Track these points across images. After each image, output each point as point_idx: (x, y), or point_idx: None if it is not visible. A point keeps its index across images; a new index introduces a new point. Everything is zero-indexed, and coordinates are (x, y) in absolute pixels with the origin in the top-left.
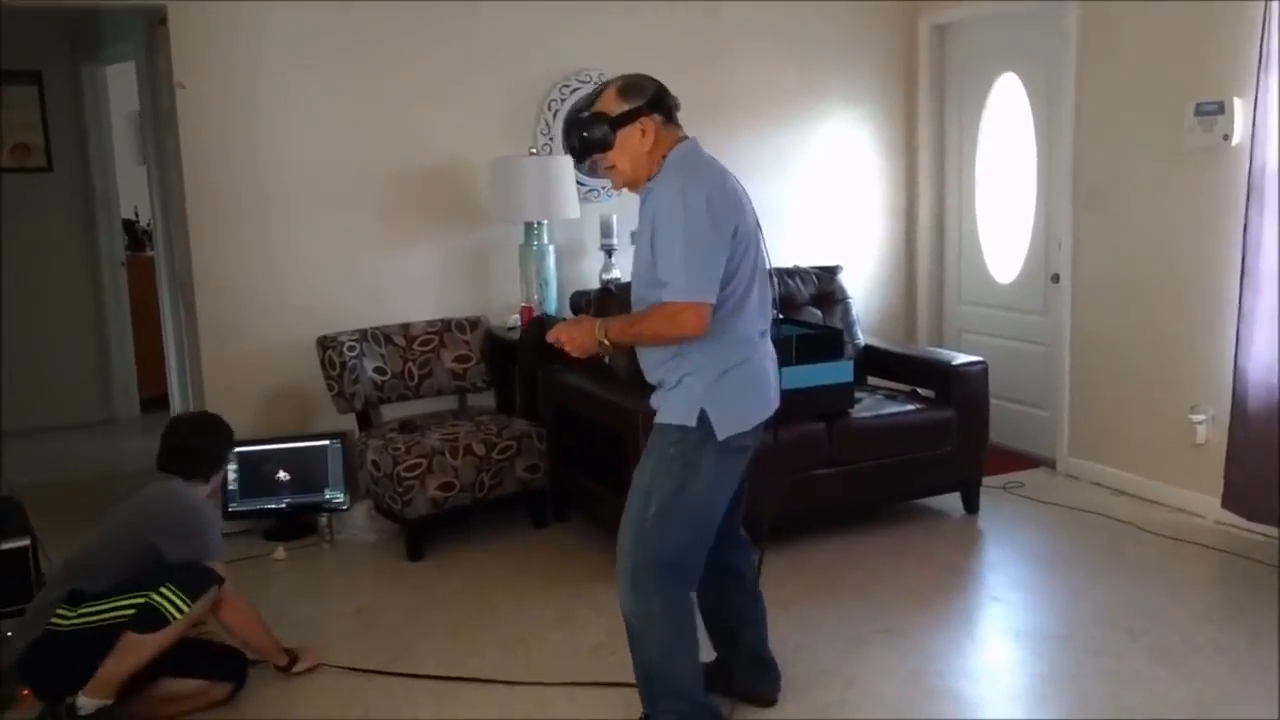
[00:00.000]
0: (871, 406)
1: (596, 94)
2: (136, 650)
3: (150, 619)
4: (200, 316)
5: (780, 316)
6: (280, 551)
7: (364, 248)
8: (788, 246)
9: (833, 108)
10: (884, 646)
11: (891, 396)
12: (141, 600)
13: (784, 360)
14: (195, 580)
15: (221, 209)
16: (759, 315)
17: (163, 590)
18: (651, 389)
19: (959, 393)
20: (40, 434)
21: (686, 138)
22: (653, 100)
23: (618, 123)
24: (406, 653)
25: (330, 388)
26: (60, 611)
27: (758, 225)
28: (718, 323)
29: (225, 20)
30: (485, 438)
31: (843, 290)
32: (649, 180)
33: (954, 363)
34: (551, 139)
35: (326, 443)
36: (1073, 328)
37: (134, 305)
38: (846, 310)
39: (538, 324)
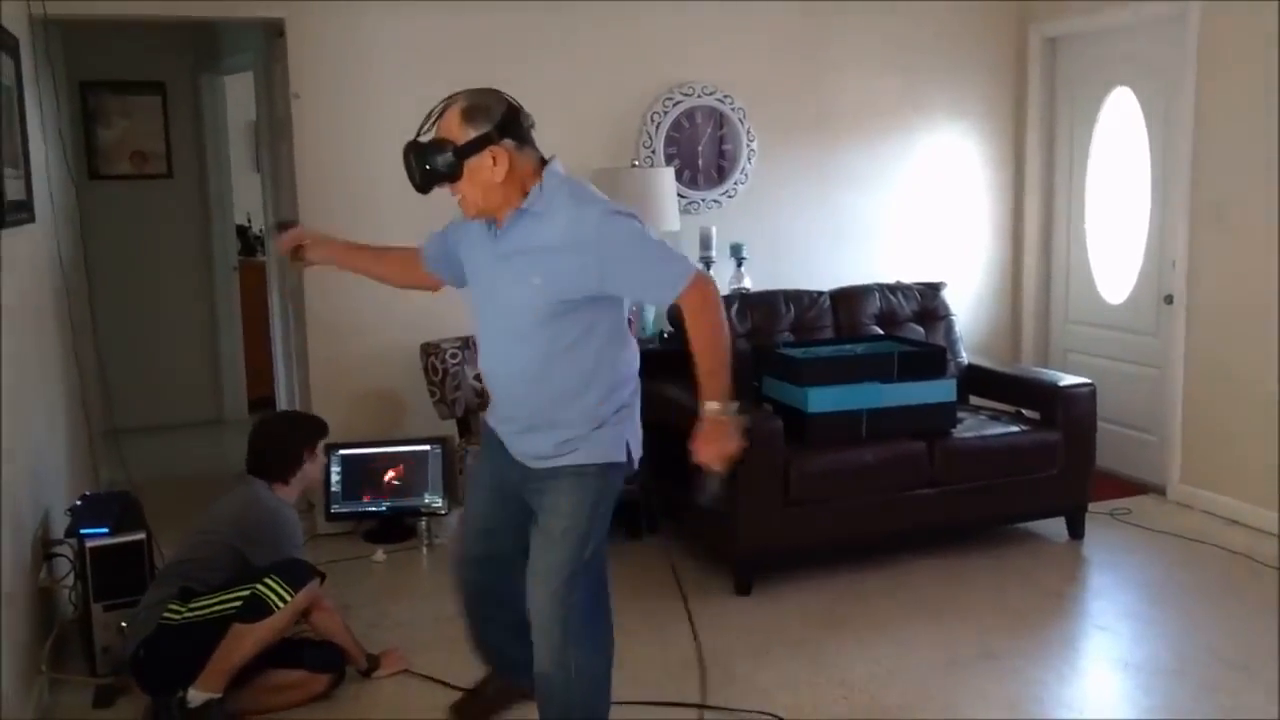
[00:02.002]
0: (974, 427)
1: (439, 113)
2: (243, 640)
3: (255, 608)
4: (309, 321)
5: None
6: (380, 554)
7: None
8: (889, 261)
9: (938, 120)
10: (982, 672)
11: (995, 417)
12: (248, 592)
13: (885, 377)
14: (297, 572)
15: (332, 216)
16: None
17: (267, 580)
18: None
19: (1065, 415)
20: (152, 432)
21: (551, 157)
22: (502, 125)
23: (465, 152)
24: None
25: (432, 394)
26: (172, 607)
27: None
28: (627, 348)
29: (341, 33)
30: None
31: (945, 307)
32: (523, 207)
33: (1061, 384)
34: (653, 152)
35: (427, 448)
36: (1187, 350)
37: (244, 309)
38: (949, 327)
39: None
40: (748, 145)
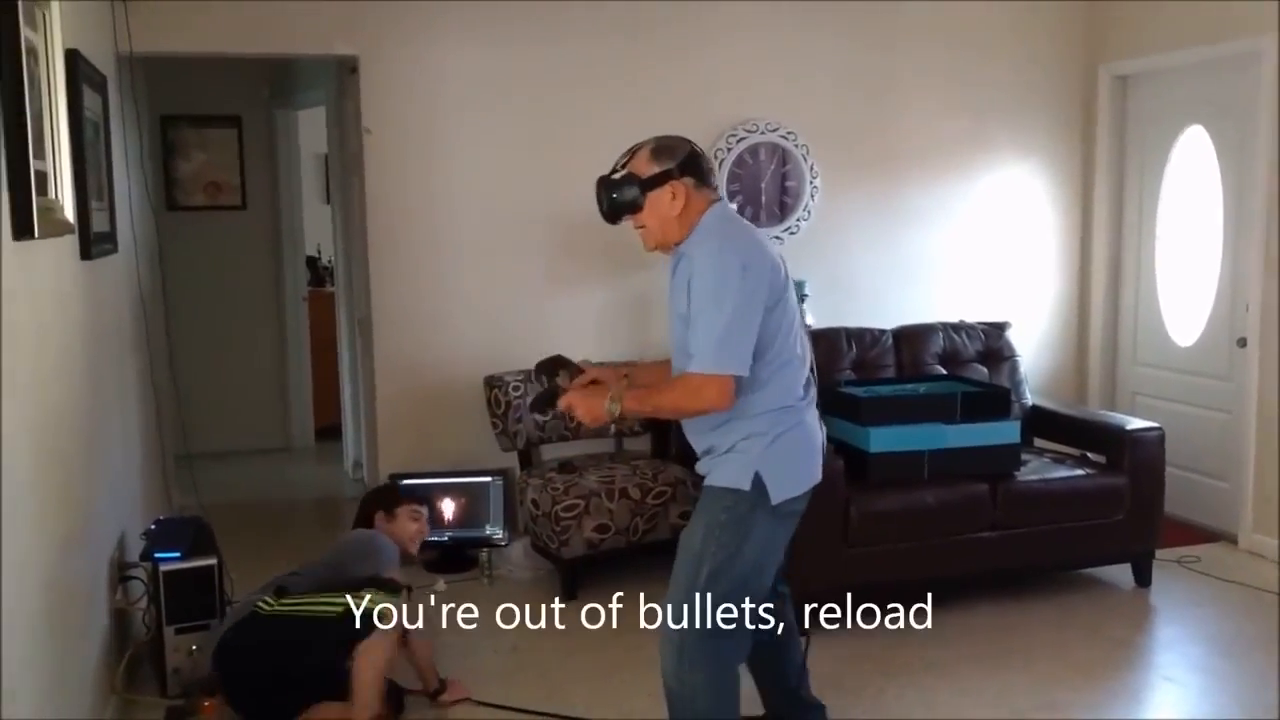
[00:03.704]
0: (1038, 469)
1: (631, 154)
2: (367, 654)
3: (358, 619)
4: (376, 352)
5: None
6: (441, 584)
7: (532, 290)
8: (954, 299)
9: (1005, 158)
10: None
11: (1059, 460)
12: (348, 604)
13: (948, 418)
14: (388, 584)
15: (400, 249)
16: (802, 377)
17: (364, 591)
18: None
19: (1133, 459)
20: (221, 458)
21: (719, 200)
22: (684, 163)
23: (648, 185)
24: (558, 693)
25: (495, 426)
26: (266, 599)
27: (788, 279)
28: (763, 387)
29: (412, 71)
30: (640, 482)
31: (1010, 347)
32: (681, 244)
33: (1128, 428)
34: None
35: (489, 479)
36: (1260, 395)
37: (312, 338)
38: (1014, 368)
39: (551, 393)
40: (810, 182)
